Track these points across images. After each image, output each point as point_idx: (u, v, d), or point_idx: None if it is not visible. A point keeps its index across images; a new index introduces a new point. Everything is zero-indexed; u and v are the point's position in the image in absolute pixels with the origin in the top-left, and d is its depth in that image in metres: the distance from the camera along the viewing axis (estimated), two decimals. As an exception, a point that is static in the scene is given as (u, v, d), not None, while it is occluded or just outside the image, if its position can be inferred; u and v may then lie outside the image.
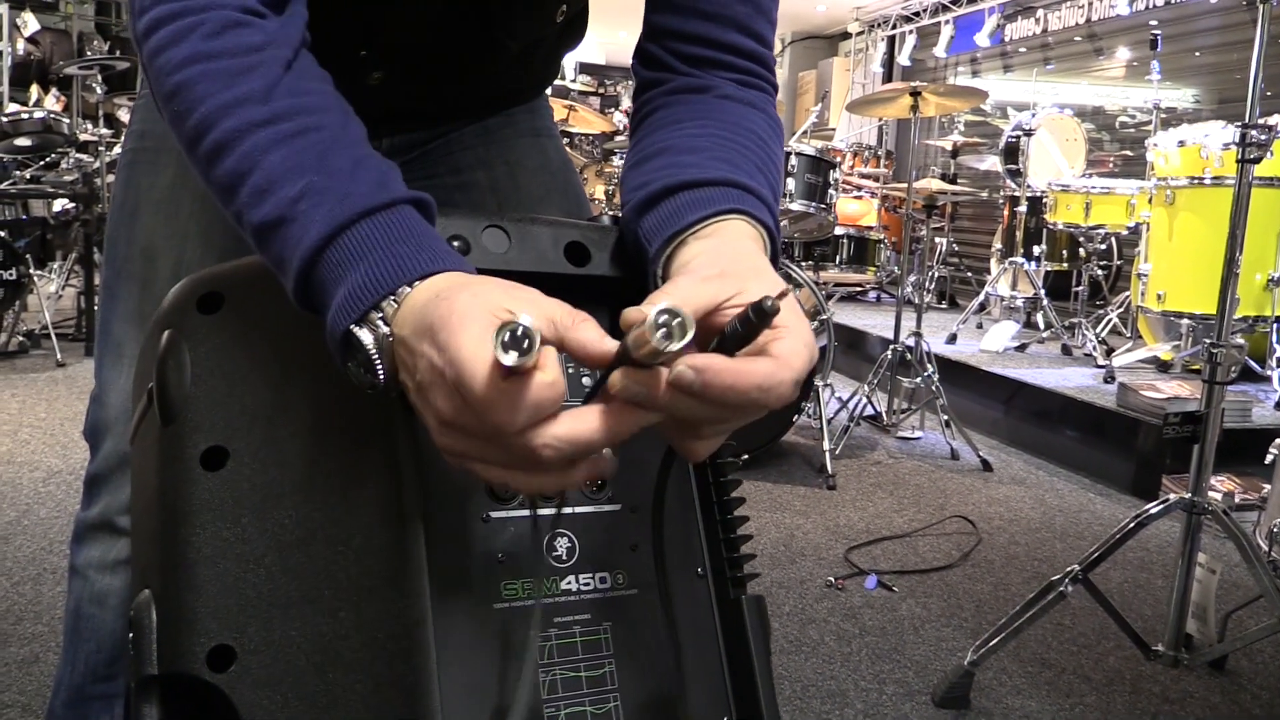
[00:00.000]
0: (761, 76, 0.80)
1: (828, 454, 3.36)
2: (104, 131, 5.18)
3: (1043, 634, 2.21)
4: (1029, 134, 5.50)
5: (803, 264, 4.50)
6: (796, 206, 3.84)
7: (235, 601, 0.61)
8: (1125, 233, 4.96)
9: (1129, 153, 6.62)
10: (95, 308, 4.87)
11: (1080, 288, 5.27)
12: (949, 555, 2.74)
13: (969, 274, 7.25)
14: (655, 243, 0.65)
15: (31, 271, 4.59)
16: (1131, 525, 1.94)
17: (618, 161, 5.85)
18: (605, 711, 0.61)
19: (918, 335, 3.77)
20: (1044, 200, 5.13)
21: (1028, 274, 5.28)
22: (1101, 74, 7.47)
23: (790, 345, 0.53)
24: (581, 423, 0.51)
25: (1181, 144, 4.00)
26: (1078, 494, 3.41)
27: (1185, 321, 4.05)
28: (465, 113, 1.04)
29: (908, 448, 3.88)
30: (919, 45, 9.31)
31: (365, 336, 0.55)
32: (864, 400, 3.91)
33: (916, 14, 9.39)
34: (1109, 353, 4.50)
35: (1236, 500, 3.09)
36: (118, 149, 4.83)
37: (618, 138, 7.09)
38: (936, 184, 6.17)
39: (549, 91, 1.15)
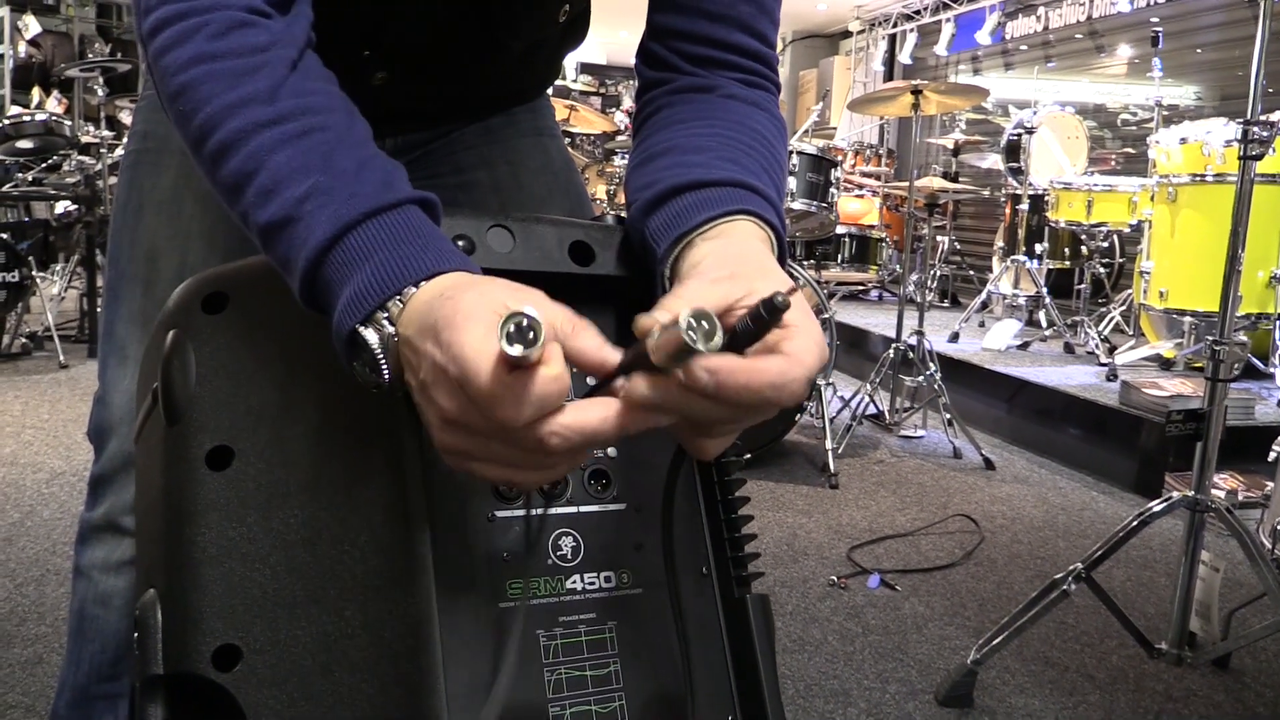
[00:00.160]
0: (765, 76, 0.80)
1: (830, 453, 3.35)
2: (106, 133, 5.19)
3: (1046, 632, 2.21)
4: (1030, 132, 5.50)
5: (804, 263, 4.50)
6: (798, 205, 3.84)
7: (241, 601, 0.61)
8: (1127, 230, 4.95)
9: (1131, 150, 6.62)
10: (98, 309, 4.89)
11: (1082, 286, 5.27)
12: (952, 554, 2.74)
13: (971, 272, 7.24)
14: (663, 243, 0.65)
15: (34, 273, 4.59)
16: (1134, 523, 1.93)
17: (619, 161, 5.84)
18: (610, 710, 0.60)
19: (920, 334, 3.76)
20: (1046, 198, 5.12)
21: (1030, 272, 5.28)
22: (1103, 71, 7.46)
23: (801, 343, 0.53)
24: (589, 413, 0.51)
25: (1183, 141, 3.98)
26: (1080, 492, 3.41)
27: (1188, 319, 4.04)
28: (468, 113, 1.04)
29: (910, 446, 3.88)
30: (920, 43, 9.30)
31: (370, 336, 0.55)
32: (866, 399, 3.91)
33: (917, 12, 9.38)
34: (1111, 351, 4.49)
35: (1240, 498, 3.09)
36: (119, 151, 4.83)
37: (619, 137, 7.08)
38: (938, 182, 6.15)
39: (550, 91, 1.15)
